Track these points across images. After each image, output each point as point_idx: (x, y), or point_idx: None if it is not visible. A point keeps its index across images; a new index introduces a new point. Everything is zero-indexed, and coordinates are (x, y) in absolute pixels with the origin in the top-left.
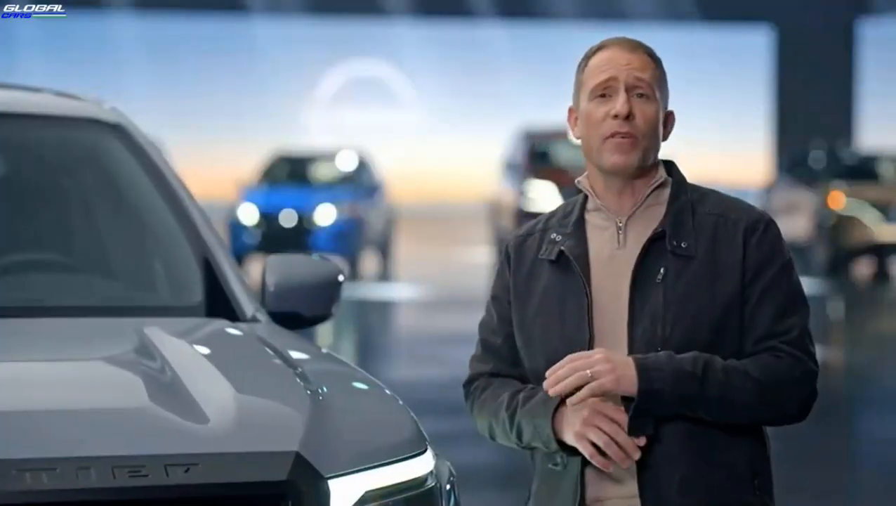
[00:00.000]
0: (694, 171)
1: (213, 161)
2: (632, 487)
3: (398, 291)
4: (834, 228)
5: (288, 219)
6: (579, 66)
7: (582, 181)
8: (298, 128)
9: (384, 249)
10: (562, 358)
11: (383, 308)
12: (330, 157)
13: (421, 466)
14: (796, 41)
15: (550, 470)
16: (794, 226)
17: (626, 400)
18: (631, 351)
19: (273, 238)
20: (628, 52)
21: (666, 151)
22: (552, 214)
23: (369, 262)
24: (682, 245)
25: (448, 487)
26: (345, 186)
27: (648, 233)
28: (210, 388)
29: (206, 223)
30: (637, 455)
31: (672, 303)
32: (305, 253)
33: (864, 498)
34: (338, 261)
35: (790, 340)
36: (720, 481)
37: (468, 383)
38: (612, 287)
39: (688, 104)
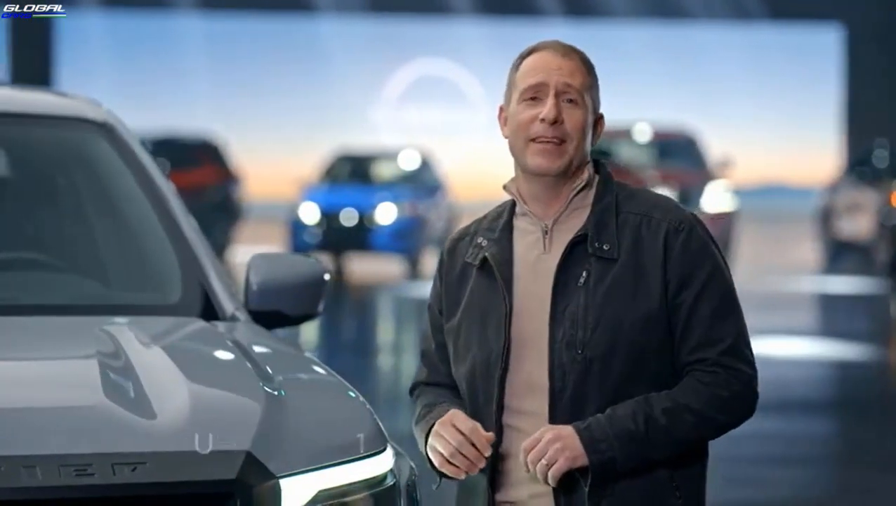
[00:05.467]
0: (762, 170)
1: (280, 160)
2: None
3: None
4: None
5: (349, 218)
6: (513, 65)
7: (509, 186)
8: (366, 127)
9: None
10: (481, 365)
11: None
12: (392, 156)
13: (379, 465)
14: (866, 39)
15: (463, 491)
16: (857, 225)
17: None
18: (552, 353)
19: (334, 237)
20: (560, 57)
21: (726, 153)
22: (485, 216)
23: (430, 261)
24: (605, 247)
25: (408, 486)
26: (406, 185)
27: (571, 236)
28: (167, 388)
29: (189, 222)
30: (482, 463)
31: (592, 306)
32: (367, 252)
33: None
34: (398, 259)
35: (725, 349)
36: (636, 482)
37: (411, 392)
38: (537, 292)
39: (756, 103)
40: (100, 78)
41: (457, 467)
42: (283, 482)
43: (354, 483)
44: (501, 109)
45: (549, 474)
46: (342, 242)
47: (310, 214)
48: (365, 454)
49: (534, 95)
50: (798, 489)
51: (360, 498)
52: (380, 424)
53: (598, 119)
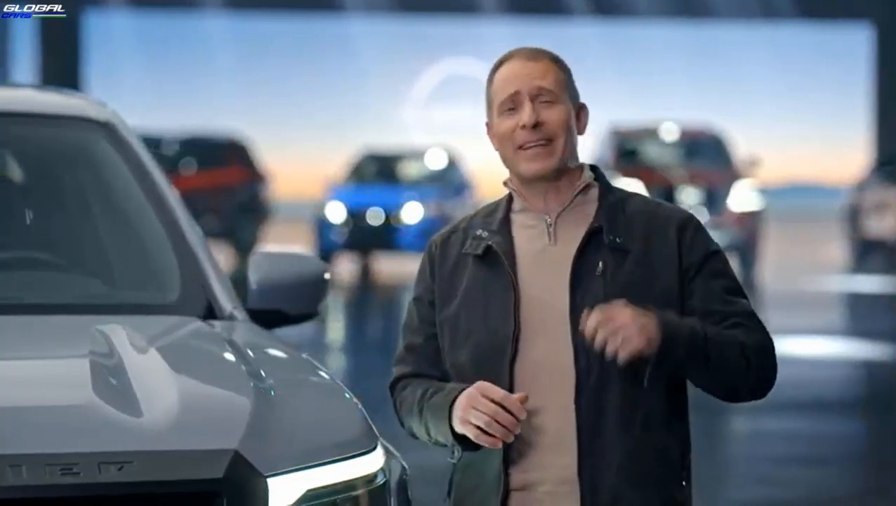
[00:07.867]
0: (789, 169)
1: (308, 160)
2: (565, 471)
3: None
4: None
5: (375, 217)
6: (488, 81)
7: (509, 182)
8: (394, 127)
9: None
10: (487, 349)
11: None
12: (418, 155)
13: (370, 463)
14: None
15: (470, 461)
16: (885, 224)
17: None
18: (575, 341)
19: (360, 236)
20: (528, 62)
21: (753, 152)
22: (475, 213)
23: None
24: (618, 239)
25: (399, 485)
26: (432, 184)
27: (580, 229)
28: (157, 387)
29: (188, 221)
30: (517, 428)
31: (612, 295)
32: (393, 251)
33: None
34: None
35: (748, 316)
36: (653, 468)
37: (392, 386)
38: (544, 282)
39: (784, 103)
40: (127, 78)
41: (493, 436)
42: (271, 481)
43: (343, 482)
44: (488, 127)
45: (622, 355)
46: (368, 242)
47: (336, 213)
48: (354, 453)
49: (511, 106)
50: (822, 489)
51: (349, 497)
52: (370, 423)
53: (581, 109)
